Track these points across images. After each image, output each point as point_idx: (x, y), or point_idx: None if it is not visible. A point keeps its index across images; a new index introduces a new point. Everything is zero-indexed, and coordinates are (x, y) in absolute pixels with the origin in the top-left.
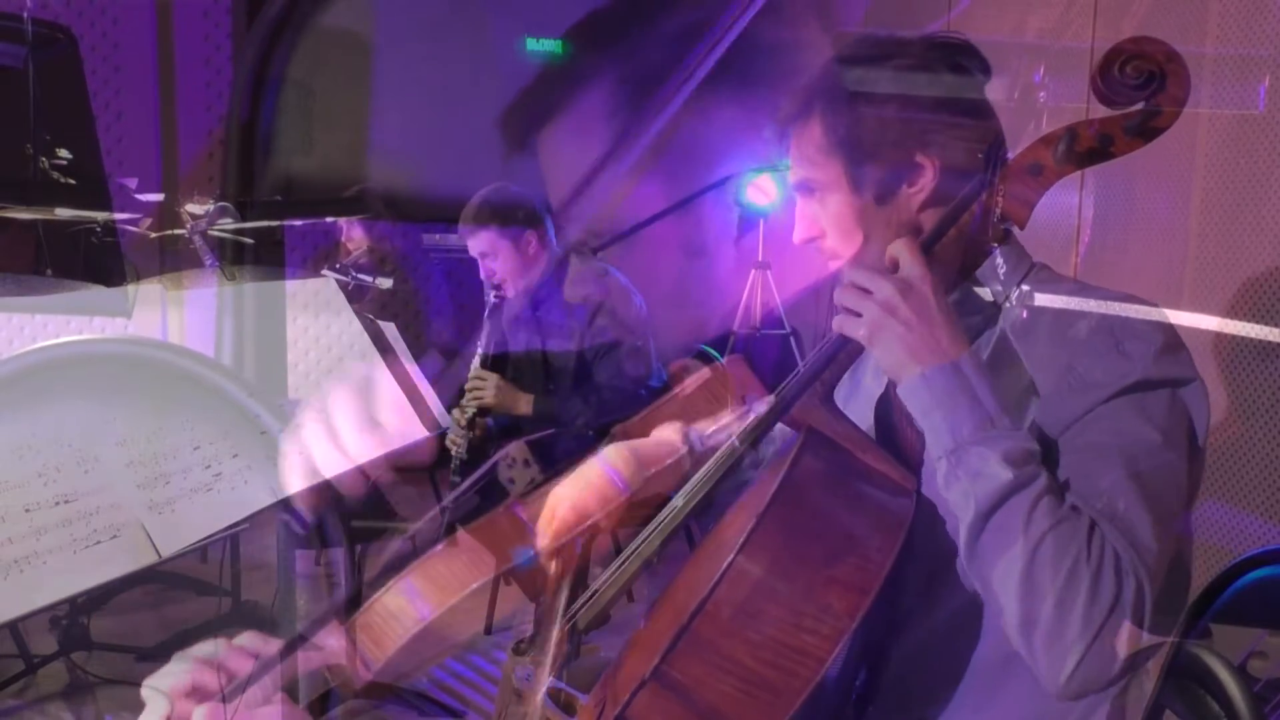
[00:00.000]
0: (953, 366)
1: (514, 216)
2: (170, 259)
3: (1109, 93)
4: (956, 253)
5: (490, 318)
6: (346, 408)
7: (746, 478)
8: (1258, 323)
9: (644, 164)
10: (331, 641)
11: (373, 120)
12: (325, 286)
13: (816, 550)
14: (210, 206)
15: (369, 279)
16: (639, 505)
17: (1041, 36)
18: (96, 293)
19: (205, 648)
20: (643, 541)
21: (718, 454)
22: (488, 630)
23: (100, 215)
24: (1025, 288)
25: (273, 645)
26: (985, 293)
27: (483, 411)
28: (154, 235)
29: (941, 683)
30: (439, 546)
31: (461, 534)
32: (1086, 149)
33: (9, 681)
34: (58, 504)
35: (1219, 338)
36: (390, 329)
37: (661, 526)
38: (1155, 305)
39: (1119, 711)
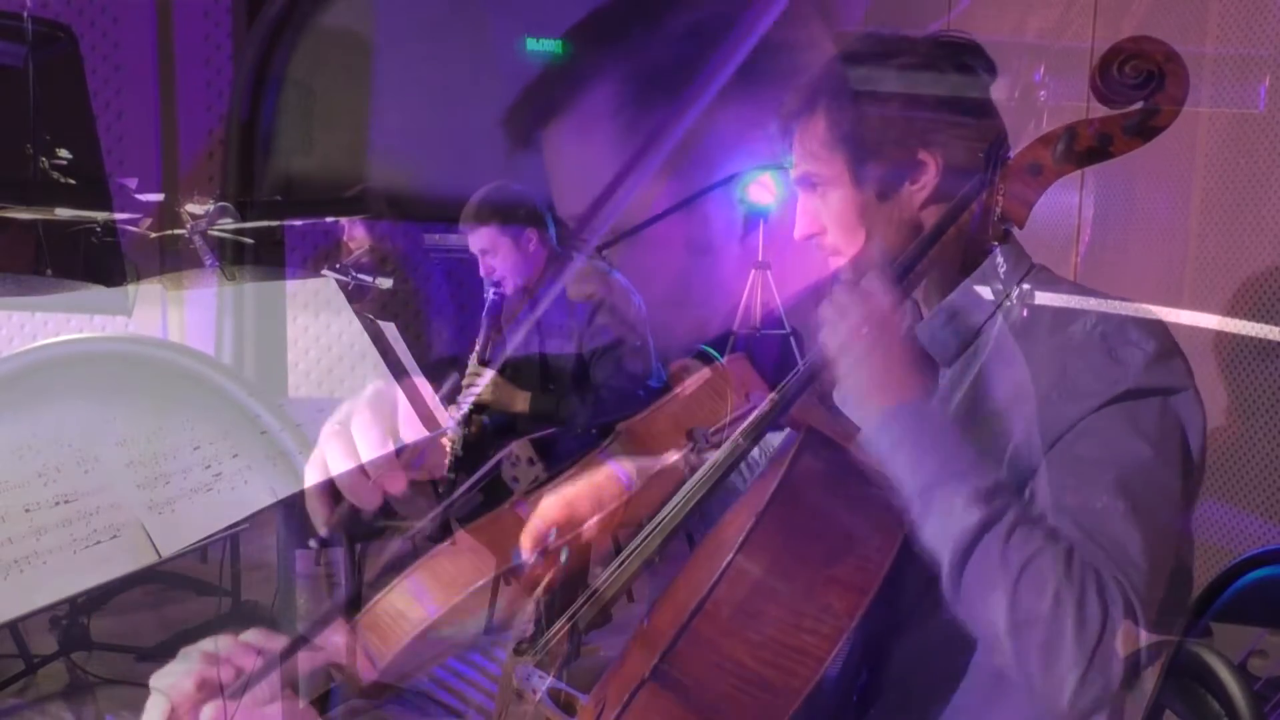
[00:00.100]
0: (909, 406)
1: (514, 214)
2: (170, 259)
3: (1108, 92)
4: (957, 251)
5: (488, 315)
6: (368, 427)
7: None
8: (1258, 322)
9: (664, 167)
10: (336, 640)
11: (373, 120)
12: (325, 286)
13: (816, 550)
14: (210, 206)
15: (369, 279)
16: (636, 510)
17: (1041, 36)
18: (97, 292)
19: (209, 645)
20: (643, 541)
21: (720, 452)
22: (488, 630)
23: (100, 215)
24: (1026, 286)
25: (278, 642)
26: (985, 292)
27: (479, 408)
28: (154, 235)
29: (942, 683)
30: (444, 545)
31: (466, 532)
32: (1085, 148)
33: (9, 681)
34: (58, 504)
35: (1219, 338)
36: (390, 329)
37: (662, 525)
38: (1152, 311)
39: (1118, 711)
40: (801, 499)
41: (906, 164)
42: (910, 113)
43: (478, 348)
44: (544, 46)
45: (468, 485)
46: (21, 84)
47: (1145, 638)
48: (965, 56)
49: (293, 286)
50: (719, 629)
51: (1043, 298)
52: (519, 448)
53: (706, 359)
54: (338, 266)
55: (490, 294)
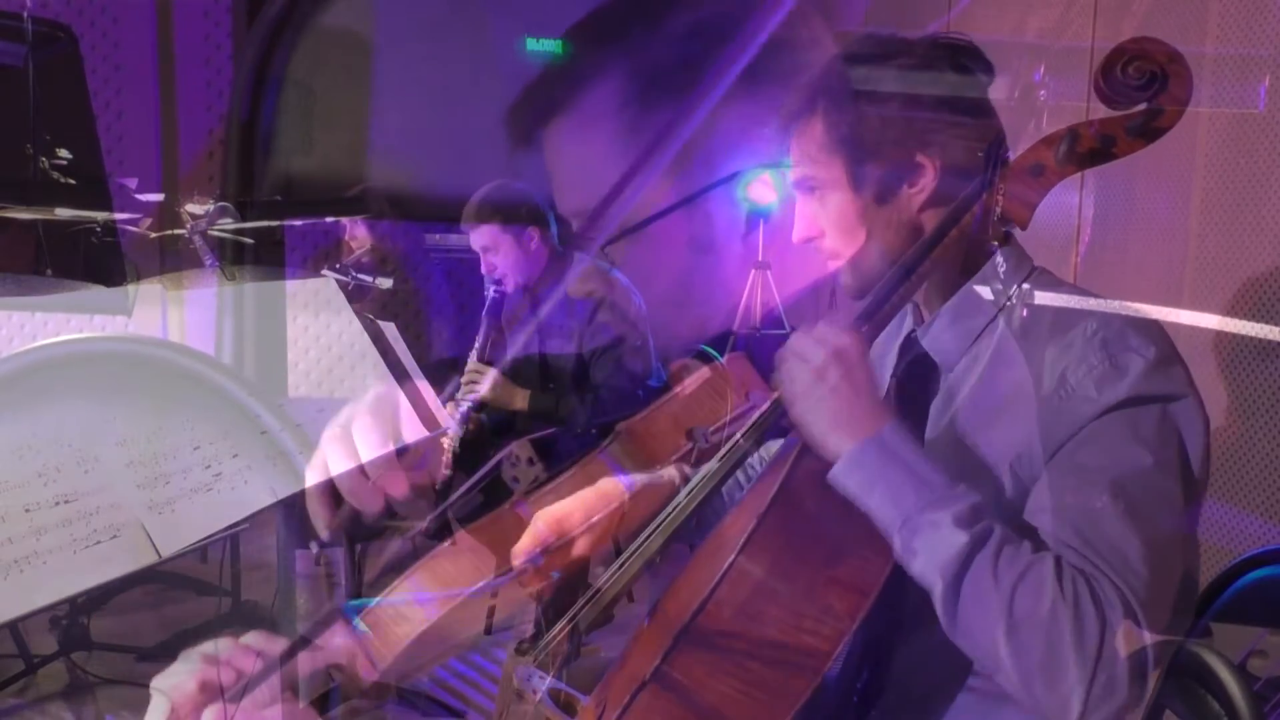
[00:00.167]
0: (877, 439)
1: (516, 212)
2: (170, 259)
3: (1111, 93)
4: (958, 253)
5: (489, 312)
6: (369, 431)
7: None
8: (1258, 322)
9: (667, 166)
10: (338, 641)
11: (373, 120)
12: (325, 286)
13: (817, 551)
14: (210, 206)
15: (369, 279)
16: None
17: (1041, 36)
18: (97, 292)
19: (210, 647)
20: (644, 542)
21: (722, 451)
22: (488, 630)
23: (100, 215)
24: (1026, 287)
25: (278, 645)
26: (986, 293)
27: (478, 406)
28: (154, 235)
29: (944, 685)
30: (444, 545)
31: (466, 533)
32: (1088, 149)
33: (9, 681)
34: (58, 504)
35: (1219, 337)
36: (390, 329)
37: (664, 526)
38: (1152, 315)
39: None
40: (803, 500)
41: (904, 167)
42: (908, 116)
43: (478, 346)
44: (544, 46)
45: (468, 486)
46: (21, 84)
47: (1149, 642)
48: (962, 58)
49: (293, 286)
50: (720, 630)
51: (1042, 300)
52: (519, 448)
53: (706, 359)
54: (338, 266)
55: (491, 292)
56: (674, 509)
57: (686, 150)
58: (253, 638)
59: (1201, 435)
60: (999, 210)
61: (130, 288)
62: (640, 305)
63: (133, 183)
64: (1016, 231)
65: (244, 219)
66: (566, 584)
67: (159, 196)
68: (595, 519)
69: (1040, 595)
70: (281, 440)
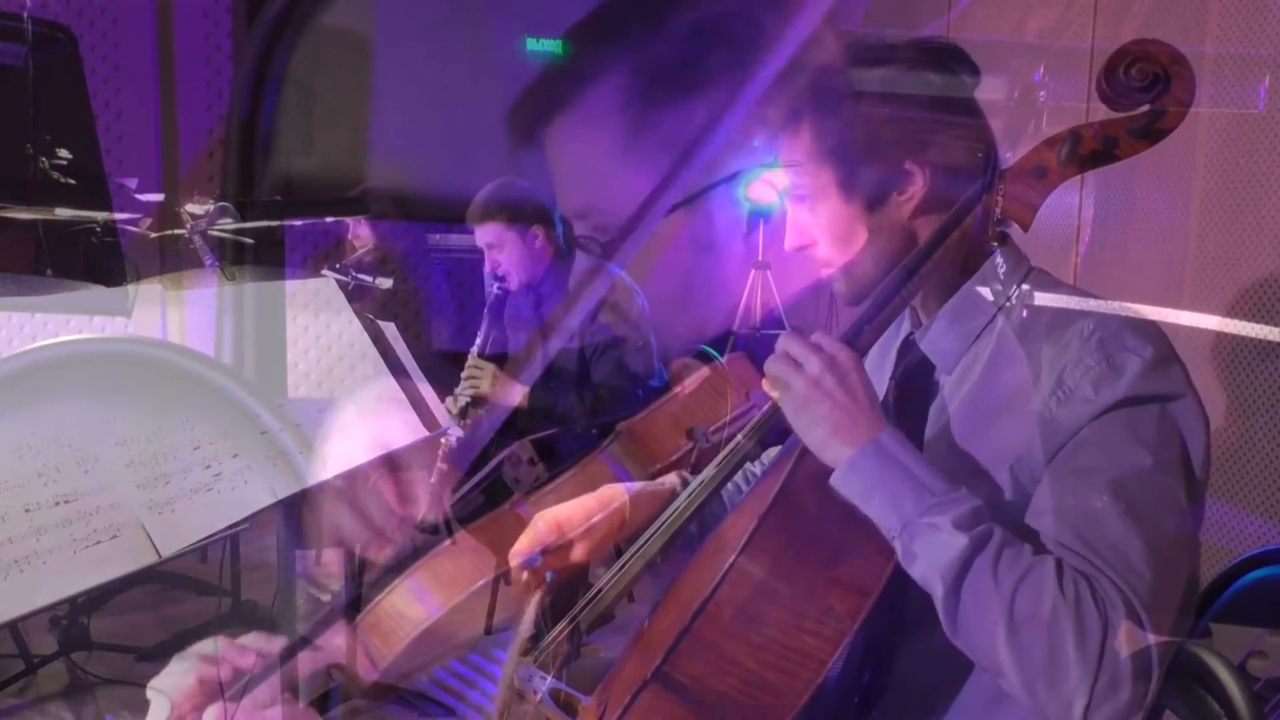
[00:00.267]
0: (875, 444)
1: (522, 210)
2: (170, 259)
3: (1114, 95)
4: (957, 255)
5: (492, 309)
6: (371, 482)
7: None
8: (1258, 323)
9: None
10: (338, 640)
11: (373, 120)
12: (325, 286)
13: (818, 552)
14: (210, 206)
15: (369, 279)
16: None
17: (1041, 36)
18: (96, 292)
19: (206, 646)
20: (645, 542)
21: (724, 451)
22: (488, 630)
23: (100, 215)
24: (1025, 287)
25: (277, 644)
26: (988, 293)
27: (477, 402)
28: (154, 235)
29: (946, 684)
30: (444, 545)
31: (467, 532)
32: (1090, 151)
33: (9, 681)
34: (58, 504)
35: (1219, 338)
36: (390, 329)
37: (665, 526)
38: (1150, 315)
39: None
40: (804, 501)
41: (894, 174)
42: (895, 122)
43: (479, 342)
44: (544, 46)
45: (469, 485)
46: (21, 84)
47: (1152, 643)
48: (948, 61)
49: (293, 286)
50: (721, 631)
51: (1040, 301)
52: (520, 448)
53: (706, 359)
54: (338, 266)
55: (495, 289)
56: (674, 511)
57: (689, 151)
58: (251, 638)
59: (1201, 435)
60: (1000, 212)
61: (130, 288)
62: (643, 305)
63: (133, 183)
64: (1014, 232)
65: (244, 219)
66: (567, 584)
67: (159, 196)
68: (595, 522)
69: (1041, 597)
70: (281, 440)
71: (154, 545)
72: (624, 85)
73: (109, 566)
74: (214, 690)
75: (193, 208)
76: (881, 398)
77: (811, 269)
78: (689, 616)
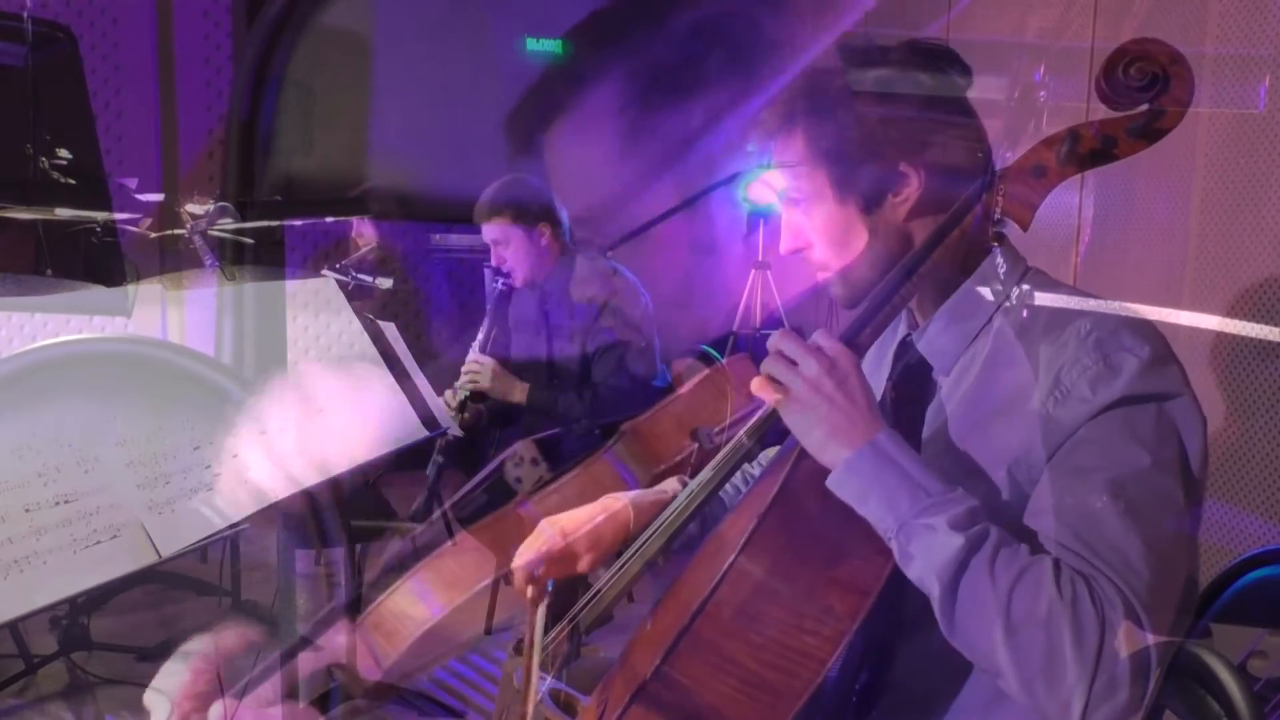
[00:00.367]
0: (871, 446)
1: (530, 207)
2: (170, 259)
3: (1113, 94)
4: (954, 256)
5: (495, 305)
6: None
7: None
8: (1258, 323)
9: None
10: (340, 640)
11: (373, 120)
12: (325, 286)
13: (817, 551)
14: (210, 206)
15: (369, 279)
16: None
17: (1041, 36)
18: (96, 292)
19: (200, 644)
20: (645, 542)
21: (724, 451)
22: (488, 631)
23: (100, 215)
24: (1025, 287)
25: (257, 633)
26: (987, 293)
27: (476, 397)
28: (154, 235)
29: (945, 685)
30: (446, 545)
31: (469, 533)
32: (1089, 150)
33: (9, 681)
34: (58, 504)
35: (1219, 338)
36: (390, 329)
37: (664, 526)
38: (1146, 315)
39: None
40: (803, 501)
41: (888, 176)
42: (889, 124)
43: (480, 337)
44: (544, 46)
45: (470, 485)
46: (21, 84)
47: (1150, 642)
48: (940, 62)
49: (293, 286)
50: (720, 631)
51: (1038, 300)
52: (522, 448)
53: (707, 359)
54: (338, 266)
55: (498, 284)
56: (673, 511)
57: (689, 151)
58: (233, 630)
59: (1199, 434)
60: (999, 211)
61: (130, 288)
62: (647, 306)
63: (133, 183)
64: (1014, 232)
65: (244, 219)
66: (567, 585)
67: (159, 196)
68: (601, 531)
69: (1038, 597)
70: None
71: (154, 545)
72: (623, 87)
73: (109, 566)
74: (212, 686)
75: (193, 208)
76: (878, 399)
77: (811, 270)
78: (688, 616)
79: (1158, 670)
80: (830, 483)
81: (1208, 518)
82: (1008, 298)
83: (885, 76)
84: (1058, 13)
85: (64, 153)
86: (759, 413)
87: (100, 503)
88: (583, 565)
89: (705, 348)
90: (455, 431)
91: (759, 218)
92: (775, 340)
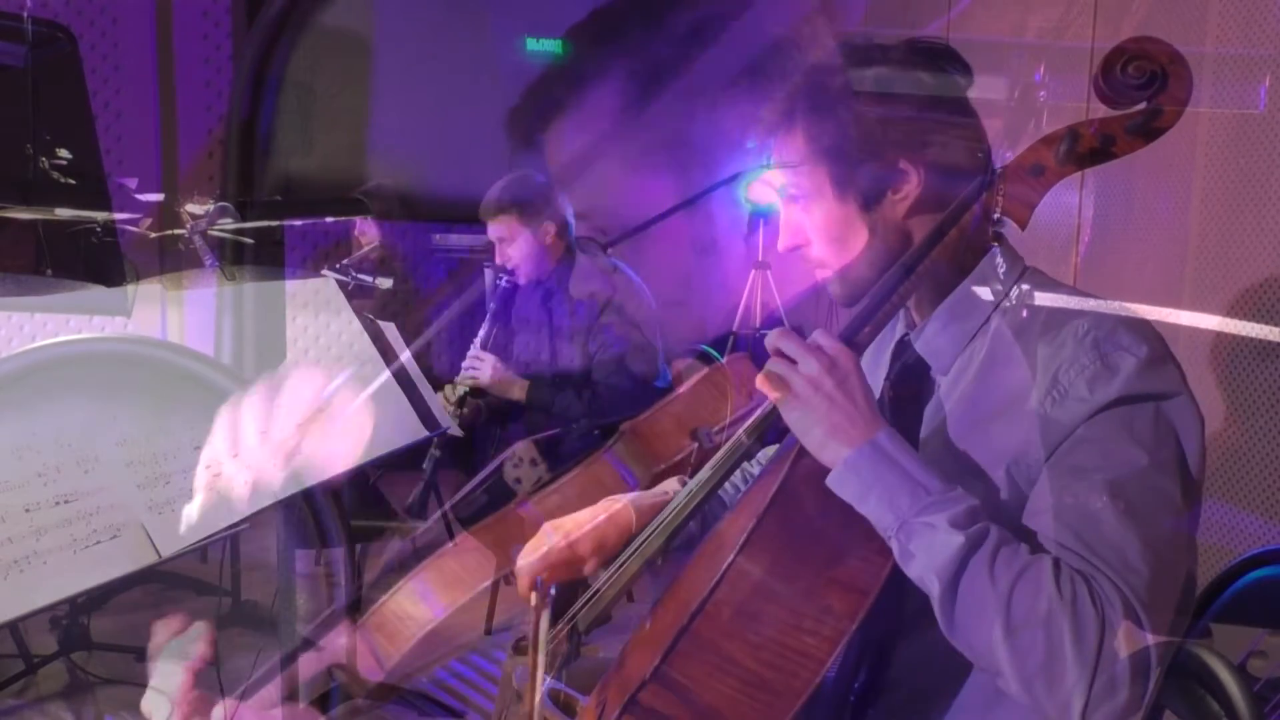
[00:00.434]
0: (871, 444)
1: (536, 205)
2: (170, 259)
3: (1111, 93)
4: (952, 255)
5: (498, 302)
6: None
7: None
8: (1258, 323)
9: (669, 166)
10: (342, 641)
11: (373, 120)
12: (325, 286)
13: (816, 551)
14: (210, 206)
15: (369, 279)
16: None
17: (1041, 36)
18: (96, 292)
19: (193, 641)
20: (644, 542)
21: (723, 449)
22: (488, 631)
23: (100, 215)
24: (1026, 287)
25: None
26: (986, 293)
27: (475, 392)
28: (154, 235)
29: (945, 685)
30: (448, 545)
31: (471, 533)
32: (1088, 149)
33: (9, 681)
34: (58, 504)
35: (1219, 338)
36: (390, 329)
37: (663, 526)
38: (1144, 315)
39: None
40: (802, 500)
41: (888, 173)
42: (889, 121)
43: (482, 333)
44: (544, 46)
45: (471, 486)
46: (21, 84)
47: (1150, 642)
48: (940, 61)
49: (293, 286)
50: (720, 630)
51: (1036, 300)
52: (522, 449)
53: (707, 359)
54: (338, 266)
55: (502, 281)
56: (672, 511)
57: (690, 151)
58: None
59: (1196, 433)
60: (998, 210)
61: (130, 288)
62: (650, 305)
63: (133, 183)
64: (1013, 231)
65: (244, 219)
66: (567, 585)
67: (159, 196)
68: (604, 535)
69: (1038, 595)
70: None
71: (154, 545)
72: (623, 86)
73: (109, 566)
74: (208, 683)
75: (193, 208)
76: (876, 398)
77: (811, 270)
78: (687, 616)
79: (1158, 669)
80: (830, 481)
81: (1208, 518)
82: (1006, 297)
83: (886, 74)
84: (1058, 13)
85: (64, 153)
86: (758, 411)
87: (100, 503)
88: (588, 569)
89: (705, 347)
90: (455, 431)
91: (759, 218)
92: (774, 339)
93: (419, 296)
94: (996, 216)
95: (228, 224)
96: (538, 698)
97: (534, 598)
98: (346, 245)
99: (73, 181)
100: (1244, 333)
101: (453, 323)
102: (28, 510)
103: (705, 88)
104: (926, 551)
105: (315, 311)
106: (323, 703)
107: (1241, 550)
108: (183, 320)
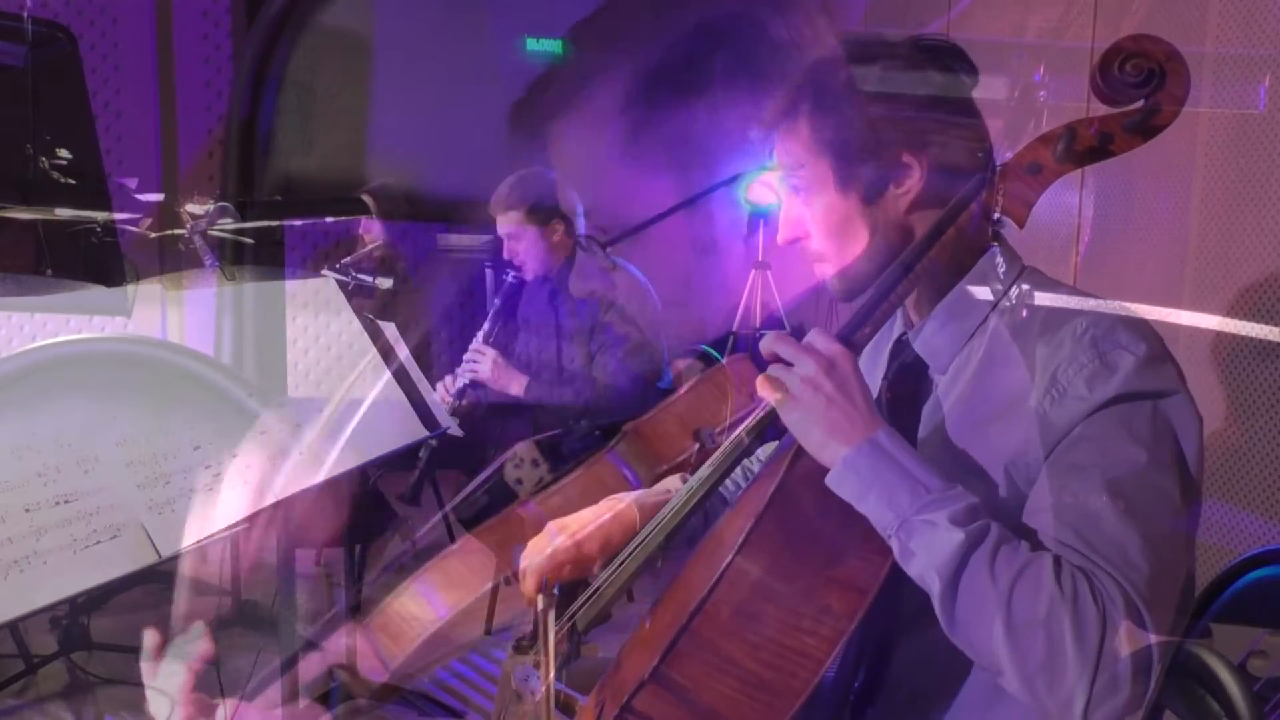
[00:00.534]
0: (871, 443)
1: (545, 203)
2: (170, 259)
3: (1109, 91)
4: (950, 254)
5: (504, 297)
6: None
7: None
8: (1258, 323)
9: (668, 165)
10: (343, 642)
11: (373, 120)
12: (325, 286)
13: (815, 550)
14: (210, 206)
15: (369, 279)
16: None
17: (1041, 36)
18: (96, 292)
19: (194, 641)
20: (643, 541)
21: (722, 449)
22: (488, 631)
23: (100, 215)
24: (1025, 287)
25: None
26: (984, 292)
27: (476, 386)
28: (154, 235)
29: (945, 684)
30: (453, 547)
31: (476, 534)
32: (1086, 147)
33: (9, 681)
34: (58, 504)
35: (1219, 338)
36: (390, 329)
37: (663, 525)
38: (1142, 314)
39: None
40: (800, 499)
41: (891, 167)
42: (893, 116)
43: (485, 328)
44: (544, 46)
45: (471, 487)
46: (21, 84)
47: (1151, 639)
48: (946, 59)
49: (293, 286)
50: (719, 630)
51: (1035, 300)
52: (523, 449)
53: (707, 359)
54: (338, 266)
55: (509, 277)
56: (671, 510)
57: (690, 151)
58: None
59: (1195, 433)
60: (998, 210)
61: (130, 288)
62: (654, 304)
63: (133, 183)
64: (1012, 231)
65: (244, 219)
66: (566, 584)
67: (159, 196)
68: (609, 534)
69: (1038, 593)
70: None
71: (154, 545)
72: (626, 85)
73: (109, 566)
74: (209, 684)
75: (193, 208)
76: (874, 398)
77: (811, 270)
78: (687, 616)
79: (1158, 668)
80: (830, 480)
81: (1208, 518)
82: (1005, 297)
83: (892, 68)
84: (1058, 13)
85: (64, 153)
86: (757, 411)
87: (100, 503)
88: (595, 569)
89: (705, 347)
90: (455, 431)
91: (759, 218)
92: (769, 343)
93: (419, 296)
94: (996, 217)
95: (228, 224)
96: (549, 699)
97: (541, 599)
98: (347, 245)
99: (73, 181)
100: (1244, 333)
101: (452, 322)
102: (28, 510)
103: (707, 87)
104: (927, 549)
105: (315, 311)
106: (324, 702)
107: (1241, 550)
108: (183, 320)
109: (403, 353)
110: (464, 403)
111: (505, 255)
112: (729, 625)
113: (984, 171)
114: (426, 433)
